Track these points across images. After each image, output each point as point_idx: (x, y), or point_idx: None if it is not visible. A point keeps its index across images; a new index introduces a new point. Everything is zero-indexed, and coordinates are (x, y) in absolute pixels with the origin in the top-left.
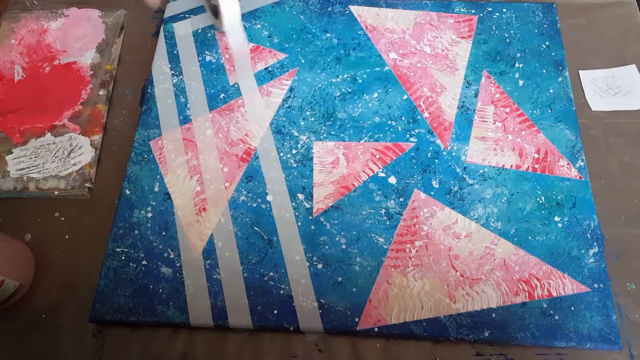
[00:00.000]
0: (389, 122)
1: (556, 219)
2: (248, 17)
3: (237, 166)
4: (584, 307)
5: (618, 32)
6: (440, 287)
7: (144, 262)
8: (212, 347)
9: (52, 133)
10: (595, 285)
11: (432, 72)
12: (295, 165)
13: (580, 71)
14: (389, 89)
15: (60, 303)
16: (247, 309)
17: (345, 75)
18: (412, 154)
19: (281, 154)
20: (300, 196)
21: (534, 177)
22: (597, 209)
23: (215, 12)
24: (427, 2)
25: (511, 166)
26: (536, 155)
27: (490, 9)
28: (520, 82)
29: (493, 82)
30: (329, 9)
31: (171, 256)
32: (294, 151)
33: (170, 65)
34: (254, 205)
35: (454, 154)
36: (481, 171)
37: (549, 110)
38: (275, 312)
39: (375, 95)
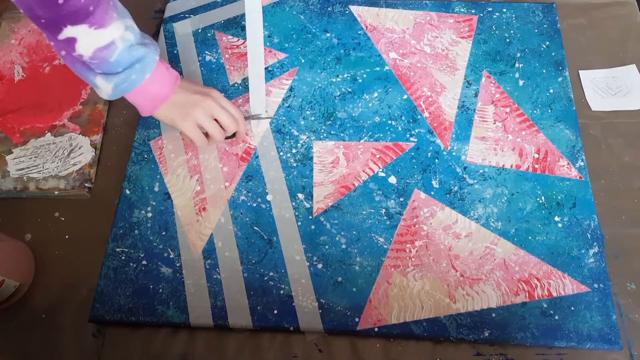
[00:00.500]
0: (389, 122)
1: (556, 219)
2: None
3: (237, 166)
4: (584, 307)
5: (618, 32)
6: (440, 287)
7: (144, 262)
8: (212, 347)
9: (52, 133)
10: (595, 285)
11: (432, 72)
12: (295, 164)
13: (580, 71)
14: (389, 88)
15: (60, 303)
16: (247, 309)
17: (345, 75)
18: (412, 153)
19: (281, 154)
20: (300, 196)
21: (534, 177)
22: (597, 209)
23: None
24: (427, 2)
25: (511, 166)
26: (536, 155)
27: (490, 9)
28: (520, 82)
29: (493, 82)
30: (329, 9)
31: (171, 256)
32: (294, 151)
33: (170, 65)
34: (254, 205)
35: (454, 153)
36: (481, 171)
37: (549, 110)
38: (275, 312)
39: (375, 94)
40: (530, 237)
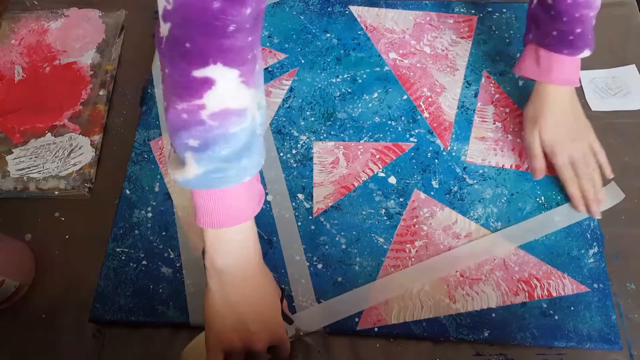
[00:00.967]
0: (389, 122)
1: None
2: None
3: None
4: (584, 307)
5: (618, 32)
6: (440, 287)
7: (144, 262)
8: None
9: (52, 133)
10: (595, 285)
11: (432, 72)
12: (295, 165)
13: (580, 71)
14: (388, 89)
15: (60, 303)
16: None
17: (345, 75)
18: (412, 154)
19: (281, 154)
20: (300, 196)
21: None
22: None
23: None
24: (427, 2)
25: (511, 166)
26: None
27: (490, 10)
28: (520, 82)
29: (493, 82)
30: (329, 9)
31: (171, 256)
32: (294, 151)
33: None
34: None
35: (453, 154)
36: (481, 171)
37: None
38: None
39: (375, 95)
40: None
